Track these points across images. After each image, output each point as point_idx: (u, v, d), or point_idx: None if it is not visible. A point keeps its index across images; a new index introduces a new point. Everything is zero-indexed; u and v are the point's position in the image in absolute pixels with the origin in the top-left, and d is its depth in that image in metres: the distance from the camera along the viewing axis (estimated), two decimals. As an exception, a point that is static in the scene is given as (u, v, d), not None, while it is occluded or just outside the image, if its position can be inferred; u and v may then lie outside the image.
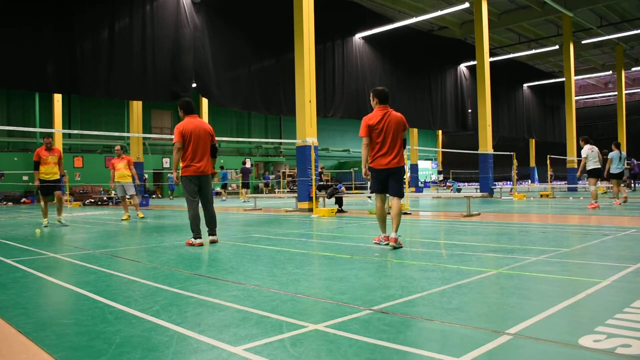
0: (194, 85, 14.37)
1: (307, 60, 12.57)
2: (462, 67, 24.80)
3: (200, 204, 5.96)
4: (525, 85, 29.65)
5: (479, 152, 17.95)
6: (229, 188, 27.35)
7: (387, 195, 5.44)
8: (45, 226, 8.93)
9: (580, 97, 39.53)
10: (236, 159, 30.77)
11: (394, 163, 5.22)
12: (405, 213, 10.05)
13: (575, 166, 21.97)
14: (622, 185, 12.42)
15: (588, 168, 11.21)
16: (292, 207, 13.19)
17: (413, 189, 26.55)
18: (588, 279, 3.39)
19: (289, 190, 25.65)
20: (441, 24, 22.65)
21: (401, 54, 21.07)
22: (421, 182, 34.00)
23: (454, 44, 23.76)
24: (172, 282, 3.62)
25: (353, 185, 27.95)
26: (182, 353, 2.10)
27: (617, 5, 21.60)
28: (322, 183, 13.43)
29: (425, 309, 2.73)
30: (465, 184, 36.64)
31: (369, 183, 5.65)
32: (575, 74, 27.43)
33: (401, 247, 5.11)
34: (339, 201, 11.97)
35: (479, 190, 18.35)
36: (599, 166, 11.21)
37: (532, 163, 35.28)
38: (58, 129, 21.92)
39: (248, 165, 26.22)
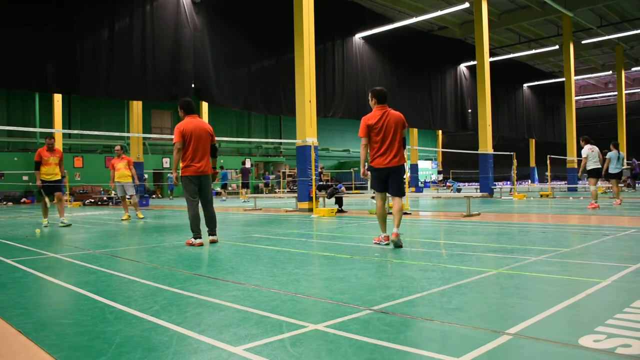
0: (193, 86, 14.36)
1: (307, 60, 12.57)
2: (462, 67, 24.80)
3: (200, 204, 5.97)
4: (525, 85, 29.66)
5: (479, 152, 17.96)
6: (229, 188, 27.35)
7: (388, 195, 5.45)
8: (45, 226, 8.93)
9: (580, 97, 39.53)
10: (236, 159, 30.76)
11: (394, 162, 5.22)
12: (406, 213, 10.05)
13: (575, 166, 21.98)
14: (622, 185, 12.42)
15: (588, 168, 11.22)
16: (292, 207, 13.19)
17: (413, 189, 26.56)
18: (588, 279, 3.39)
19: (289, 190, 25.65)
20: (441, 24, 22.66)
21: (401, 54, 21.08)
22: (421, 182, 34.00)
23: (454, 44, 23.76)
24: (172, 282, 3.62)
25: (353, 185, 27.95)
26: (182, 353, 2.10)
27: (617, 5, 21.60)
28: (322, 183, 13.43)
29: (425, 309, 2.73)
30: (465, 184, 36.64)
31: (369, 182, 5.68)
32: (575, 74, 27.44)
33: (401, 247, 5.12)
34: (339, 201, 11.97)
35: (479, 190, 18.35)
36: (599, 166, 11.22)
37: (532, 163, 35.28)
38: (58, 129, 21.92)
39: (248, 165, 26.22)
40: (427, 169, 41.11)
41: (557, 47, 24.79)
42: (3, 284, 3.72)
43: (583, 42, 24.11)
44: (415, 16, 18.91)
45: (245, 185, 23.22)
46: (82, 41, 12.39)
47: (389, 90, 19.68)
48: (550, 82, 30.18)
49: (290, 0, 12.91)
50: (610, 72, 31.35)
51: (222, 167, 23.41)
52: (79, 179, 25.61)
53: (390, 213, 5.49)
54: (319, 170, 14.34)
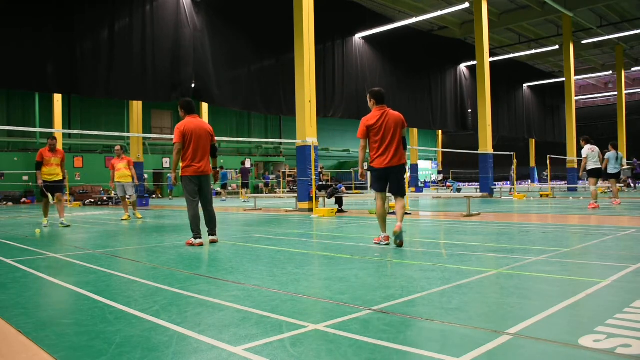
0: (193, 86, 14.36)
1: (307, 60, 12.57)
2: (462, 67, 24.79)
3: (200, 204, 5.97)
4: (525, 85, 29.65)
5: (479, 152, 17.96)
6: (229, 188, 27.35)
7: (387, 195, 5.47)
8: (46, 226, 8.92)
9: (580, 97, 39.53)
10: (236, 159, 30.76)
11: (394, 162, 5.24)
12: (406, 213, 10.03)
13: (575, 166, 21.99)
14: (622, 185, 12.43)
15: (588, 168, 11.23)
16: (292, 207, 13.19)
17: (413, 189, 26.55)
18: (588, 279, 3.39)
19: (289, 190, 25.65)
20: (441, 24, 22.65)
21: (401, 54, 21.07)
22: (421, 182, 34.01)
23: (454, 44, 23.76)
24: (172, 282, 3.62)
25: (353, 185, 27.96)
26: (182, 353, 2.10)
27: (617, 5, 21.60)
28: (322, 183, 13.43)
29: (425, 309, 2.73)
30: (465, 184, 36.65)
31: (369, 182, 5.73)
32: (575, 74, 27.43)
33: (402, 242, 5.13)
34: (339, 201, 11.97)
35: (479, 190, 18.35)
36: (600, 166, 11.23)
37: (532, 163, 35.28)
38: (58, 129, 21.91)
39: (247, 165, 26.21)
40: (427, 169, 41.12)
41: (557, 47, 24.78)
42: (3, 284, 3.72)
43: (583, 42, 24.10)
44: (415, 16, 18.91)
45: (245, 185, 23.23)
46: (82, 41, 12.39)
47: (389, 90, 19.92)
48: (550, 82, 30.17)
49: (290, 0, 12.91)
50: (610, 72, 31.35)
51: (221, 167, 23.40)
52: (79, 179, 25.61)
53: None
54: (319, 170, 14.34)
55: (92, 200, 20.92)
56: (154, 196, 26.27)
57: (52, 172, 8.91)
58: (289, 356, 2.03)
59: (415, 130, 30.14)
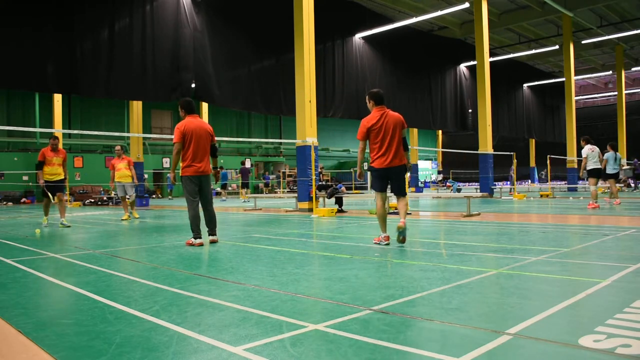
0: (193, 86, 14.36)
1: (307, 60, 12.57)
2: (462, 67, 24.79)
3: (200, 204, 5.97)
4: (525, 85, 29.65)
5: (479, 152, 17.96)
6: (229, 188, 27.35)
7: (388, 195, 5.49)
8: (45, 226, 8.93)
9: (580, 97, 39.53)
10: (236, 159, 30.76)
11: (394, 162, 5.26)
12: (407, 213, 10.05)
13: (575, 166, 21.98)
14: (622, 185, 12.43)
15: (588, 168, 11.24)
16: (292, 207, 13.19)
17: (413, 189, 26.55)
18: (588, 279, 3.39)
19: (289, 190, 25.65)
20: (441, 24, 22.65)
21: (401, 54, 21.07)
22: (421, 182, 34.00)
23: (454, 44, 23.76)
24: (172, 282, 3.62)
25: (353, 185, 27.95)
26: (182, 353, 2.10)
27: (617, 5, 21.60)
28: (322, 183, 13.43)
29: (425, 309, 2.73)
30: (466, 184, 36.64)
31: (369, 182, 5.77)
32: (575, 74, 27.43)
33: (405, 238, 5.13)
34: (339, 201, 11.97)
35: (479, 190, 18.35)
36: (600, 166, 11.24)
37: (532, 163, 35.29)
38: (58, 129, 21.90)
39: (247, 165, 26.21)
40: (427, 169, 41.12)
41: (557, 47, 24.78)
42: (3, 284, 3.72)
43: (583, 42, 24.10)
44: (415, 16, 18.91)
45: (245, 185, 23.23)
46: (82, 41, 12.38)
47: (389, 91, 19.93)
48: (550, 82, 30.17)
49: (290, 0, 12.91)
50: (610, 72, 31.34)
51: (222, 167, 23.40)
52: (79, 179, 25.61)
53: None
54: (319, 170, 14.34)
55: (92, 200, 20.93)
56: (154, 196, 26.27)
57: (54, 171, 8.91)
58: (289, 356, 2.03)
59: (415, 130, 30.14)
